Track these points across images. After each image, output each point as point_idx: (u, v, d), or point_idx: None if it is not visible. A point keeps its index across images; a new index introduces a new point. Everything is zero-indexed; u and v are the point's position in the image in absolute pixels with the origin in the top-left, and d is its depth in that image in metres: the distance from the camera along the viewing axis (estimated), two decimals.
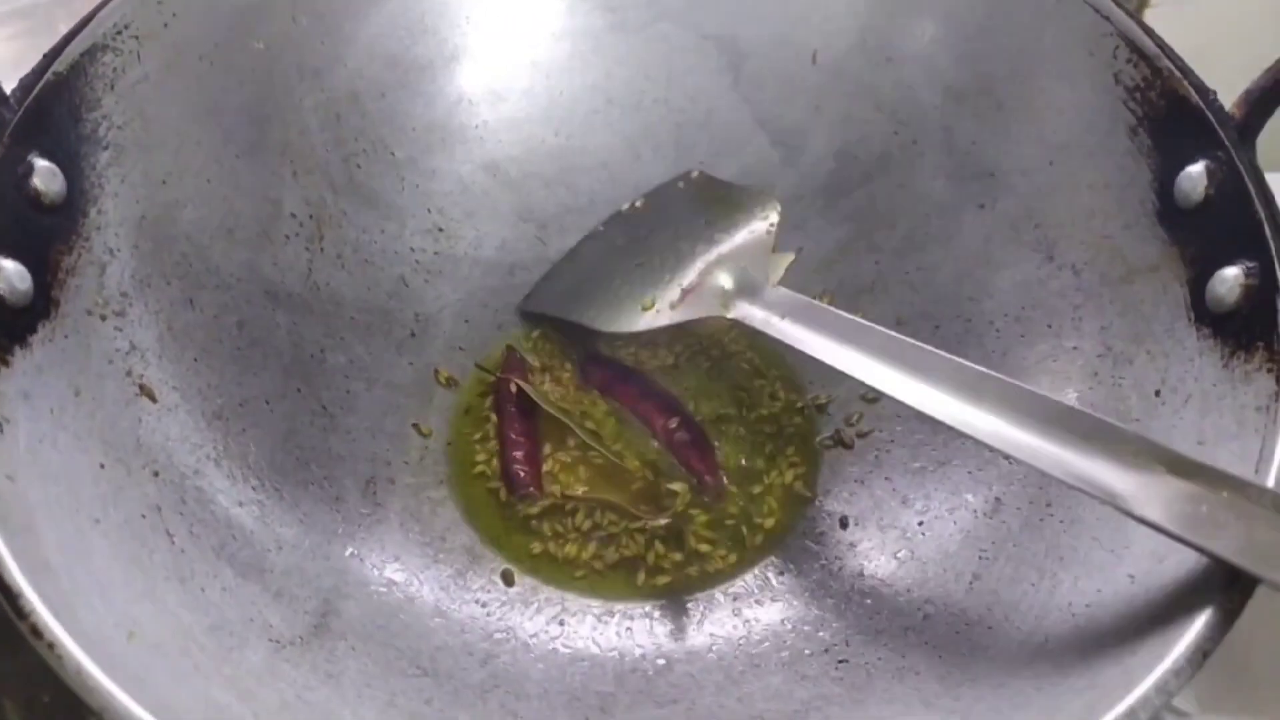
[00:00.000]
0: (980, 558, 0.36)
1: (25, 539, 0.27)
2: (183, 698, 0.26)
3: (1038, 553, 0.34)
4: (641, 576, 0.38)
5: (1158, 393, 0.35)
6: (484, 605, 0.37)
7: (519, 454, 0.41)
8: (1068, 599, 0.32)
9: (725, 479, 0.40)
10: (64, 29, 0.37)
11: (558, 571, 0.39)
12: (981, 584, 0.35)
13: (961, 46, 0.43)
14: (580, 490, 0.40)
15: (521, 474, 0.40)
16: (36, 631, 0.25)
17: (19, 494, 0.28)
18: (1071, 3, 0.39)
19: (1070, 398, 0.38)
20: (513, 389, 0.42)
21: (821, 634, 0.36)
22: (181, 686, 0.27)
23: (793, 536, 0.40)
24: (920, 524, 0.38)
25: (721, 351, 0.45)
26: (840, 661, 0.34)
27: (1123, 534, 0.32)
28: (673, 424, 0.41)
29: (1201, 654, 0.26)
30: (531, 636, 0.37)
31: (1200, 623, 0.26)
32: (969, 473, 0.39)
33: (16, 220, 0.33)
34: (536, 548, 0.39)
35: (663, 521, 0.39)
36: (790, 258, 0.46)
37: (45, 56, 0.35)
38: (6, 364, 0.31)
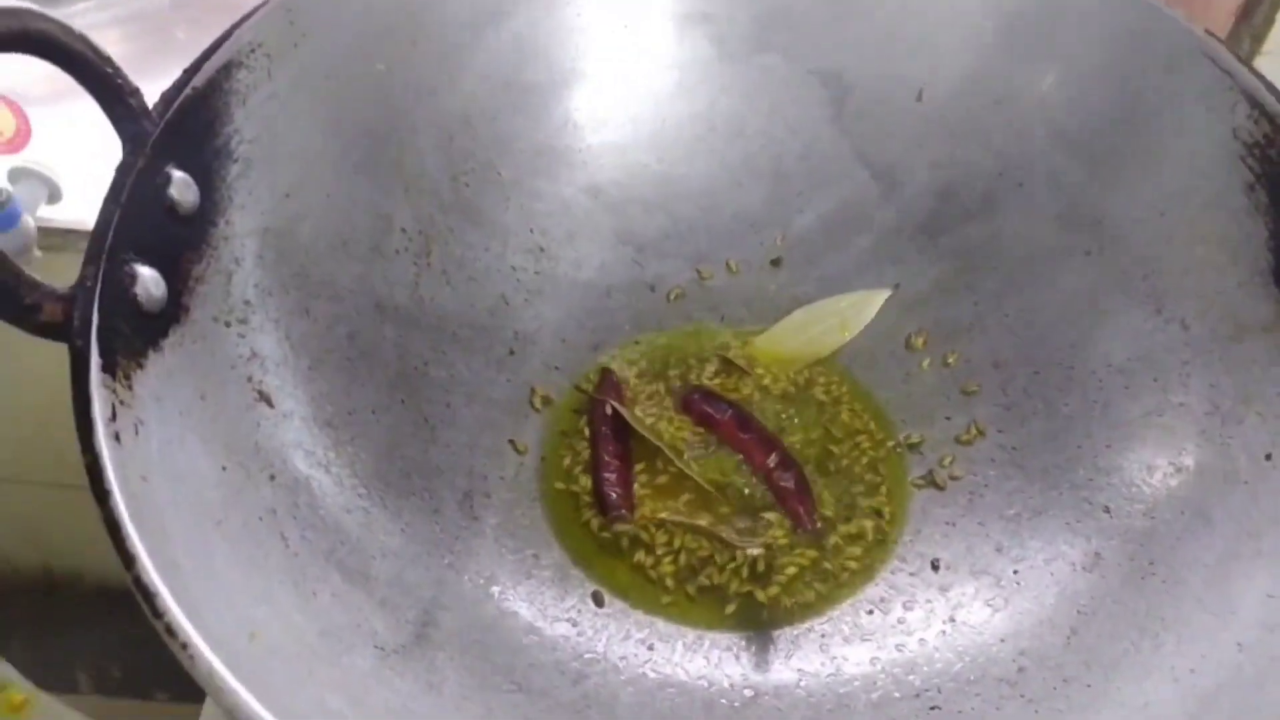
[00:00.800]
0: (1079, 613, 0.36)
1: (158, 540, 0.28)
2: (301, 701, 0.28)
3: (1138, 611, 0.34)
4: (731, 607, 0.39)
5: (1269, 456, 0.34)
6: (575, 625, 0.38)
7: (611, 476, 0.41)
8: (1170, 662, 0.31)
9: (821, 524, 0.41)
10: (181, 35, 0.38)
11: (647, 596, 0.39)
12: (1079, 640, 0.35)
13: (1077, 92, 0.43)
14: (670, 515, 0.41)
15: (614, 496, 0.41)
16: (171, 631, 0.26)
17: (152, 495, 0.30)
18: (1192, 55, 0.39)
19: (1177, 454, 0.37)
20: (607, 410, 0.43)
21: (912, 678, 0.36)
22: (298, 690, 0.28)
23: (883, 575, 0.40)
24: (1015, 572, 0.38)
25: (813, 384, 0.45)
26: (932, 708, 0.34)
27: (1228, 599, 0.31)
28: (772, 462, 0.41)
29: None
30: (621, 659, 0.37)
31: None
32: (1066, 524, 0.39)
33: (154, 229, 0.34)
34: (626, 571, 0.40)
35: (755, 551, 0.39)
36: (885, 294, 0.46)
37: (185, 71, 0.37)
38: (141, 366, 0.32)
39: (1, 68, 0.35)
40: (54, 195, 0.54)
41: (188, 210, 0.35)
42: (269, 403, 0.37)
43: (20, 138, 0.54)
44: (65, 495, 0.68)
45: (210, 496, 0.32)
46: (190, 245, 0.36)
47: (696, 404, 0.44)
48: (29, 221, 0.51)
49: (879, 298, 0.46)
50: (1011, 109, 0.45)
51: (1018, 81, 0.44)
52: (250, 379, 0.37)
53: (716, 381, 0.45)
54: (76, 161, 0.53)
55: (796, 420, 0.44)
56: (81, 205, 0.54)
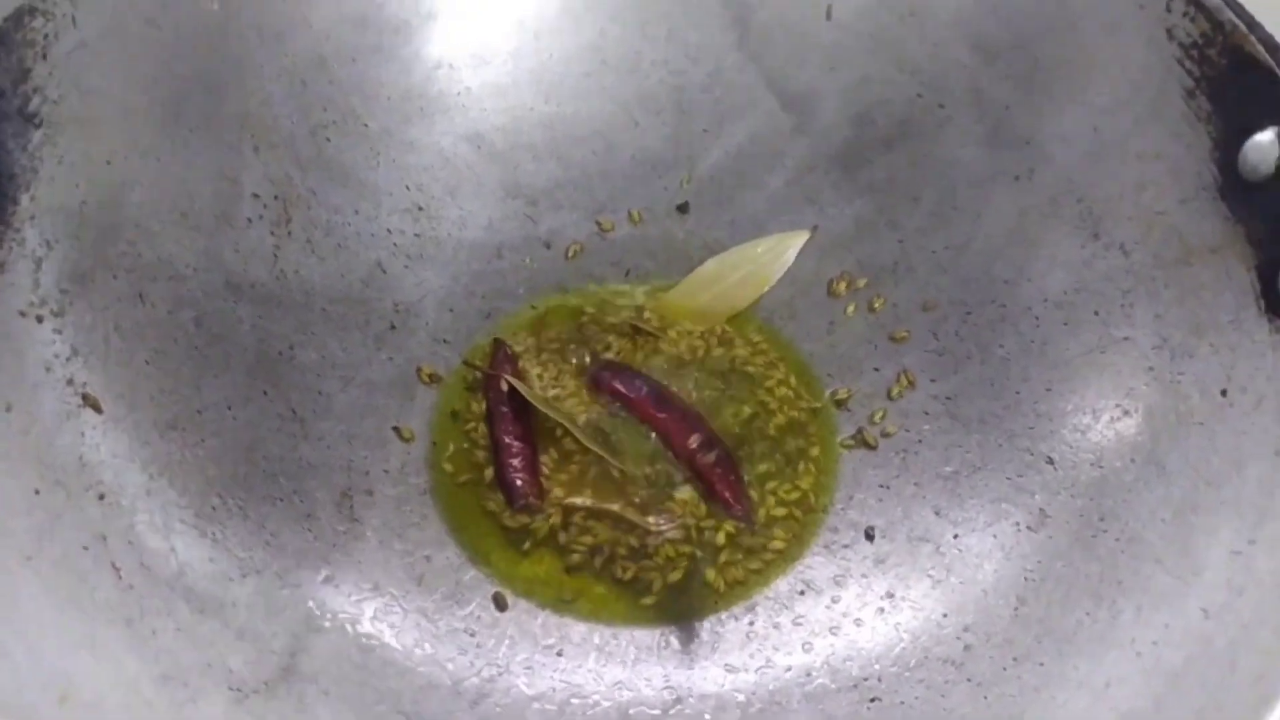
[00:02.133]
0: (1026, 579, 0.33)
1: None
2: None
3: (1091, 575, 0.31)
4: (649, 598, 0.35)
5: (1224, 392, 0.31)
6: (473, 634, 0.34)
7: (516, 461, 0.37)
8: (1130, 633, 0.28)
9: (753, 506, 0.37)
10: None
11: (555, 593, 0.35)
12: (1028, 610, 0.32)
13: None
14: (581, 500, 0.37)
15: (519, 483, 0.37)
16: None
17: None
18: None
19: (1124, 395, 0.34)
20: (503, 387, 0.38)
21: (849, 665, 0.33)
22: None
23: (814, 549, 0.36)
24: (955, 537, 0.35)
25: (731, 342, 0.41)
26: (872, 700, 0.31)
27: (1190, 557, 0.28)
28: (694, 443, 0.37)
29: None
30: (527, 670, 0.33)
31: None
32: (1008, 479, 0.35)
33: None
34: (531, 566, 0.36)
35: (672, 534, 0.35)
36: (804, 236, 0.42)
37: None
38: None
39: None
40: None
41: None
42: (96, 408, 0.32)
43: None
44: None
45: (18, 526, 0.28)
46: None
47: (607, 380, 0.39)
48: None
49: (797, 240, 0.42)
50: (926, 22, 0.41)
51: None
52: (71, 381, 0.32)
53: (625, 348, 0.41)
54: None
55: (721, 387, 0.40)
56: None
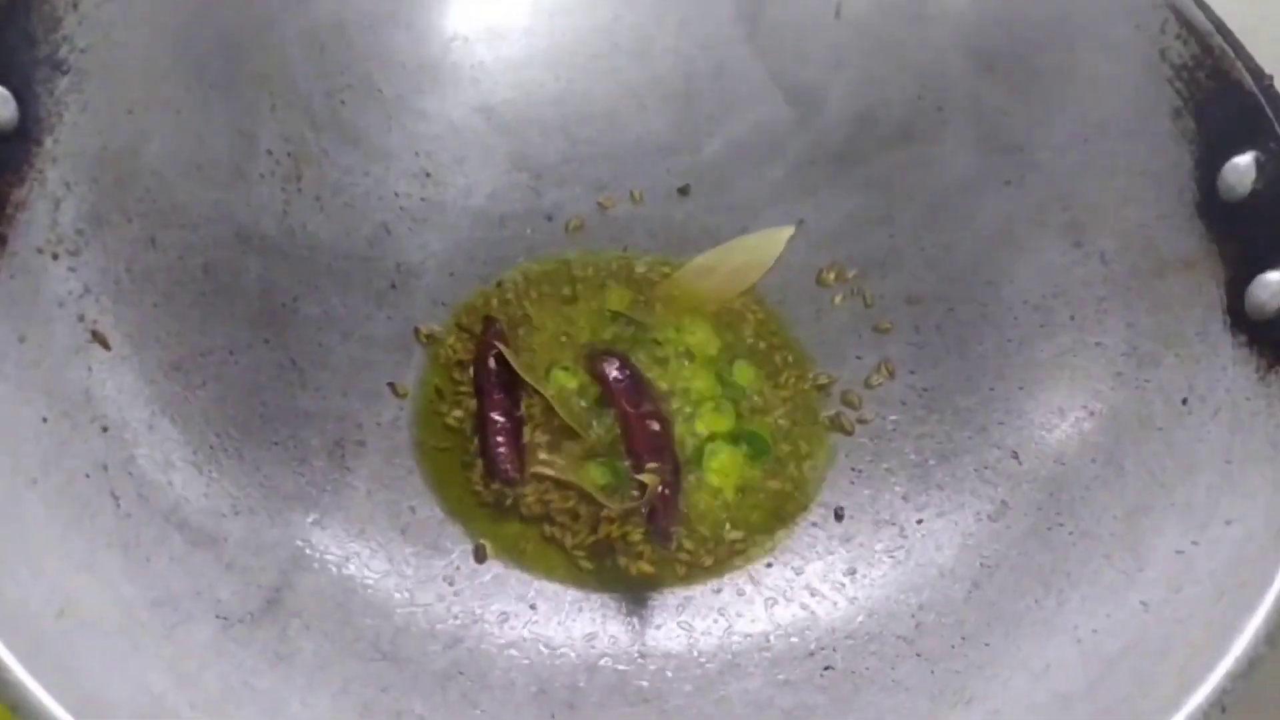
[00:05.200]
0: (981, 565, 0.34)
1: None
2: (113, 687, 0.24)
3: (1044, 565, 0.32)
4: (621, 561, 0.36)
5: (1184, 400, 0.33)
6: (451, 583, 0.35)
7: (501, 439, 0.38)
8: (1073, 621, 0.30)
9: (680, 529, 0.37)
10: None
11: (530, 552, 0.36)
12: (981, 594, 0.33)
13: (996, 7, 0.40)
14: (552, 471, 0.38)
15: (502, 458, 0.38)
16: None
17: None
18: None
19: (1091, 397, 0.35)
20: (492, 364, 0.39)
21: (807, 633, 0.34)
22: (114, 672, 0.25)
23: (781, 524, 0.37)
24: (919, 521, 0.36)
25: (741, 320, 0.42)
26: (826, 668, 0.32)
27: (1137, 555, 0.30)
28: (652, 465, 0.38)
29: (1220, 709, 0.24)
30: (501, 620, 0.34)
31: (1220, 674, 0.24)
32: (975, 470, 0.37)
33: None
34: (509, 525, 0.37)
35: (623, 510, 0.37)
36: (789, 231, 0.43)
37: None
38: None
39: None
40: None
41: (4, 128, 0.32)
42: (104, 344, 0.33)
43: None
44: None
45: (26, 451, 0.29)
46: (9, 167, 0.32)
47: (597, 362, 0.40)
48: None
49: (783, 234, 0.43)
50: (930, 26, 0.41)
51: None
52: (82, 318, 0.33)
53: (624, 333, 0.42)
54: None
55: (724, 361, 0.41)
56: None
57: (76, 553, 0.28)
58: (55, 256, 0.33)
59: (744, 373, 0.41)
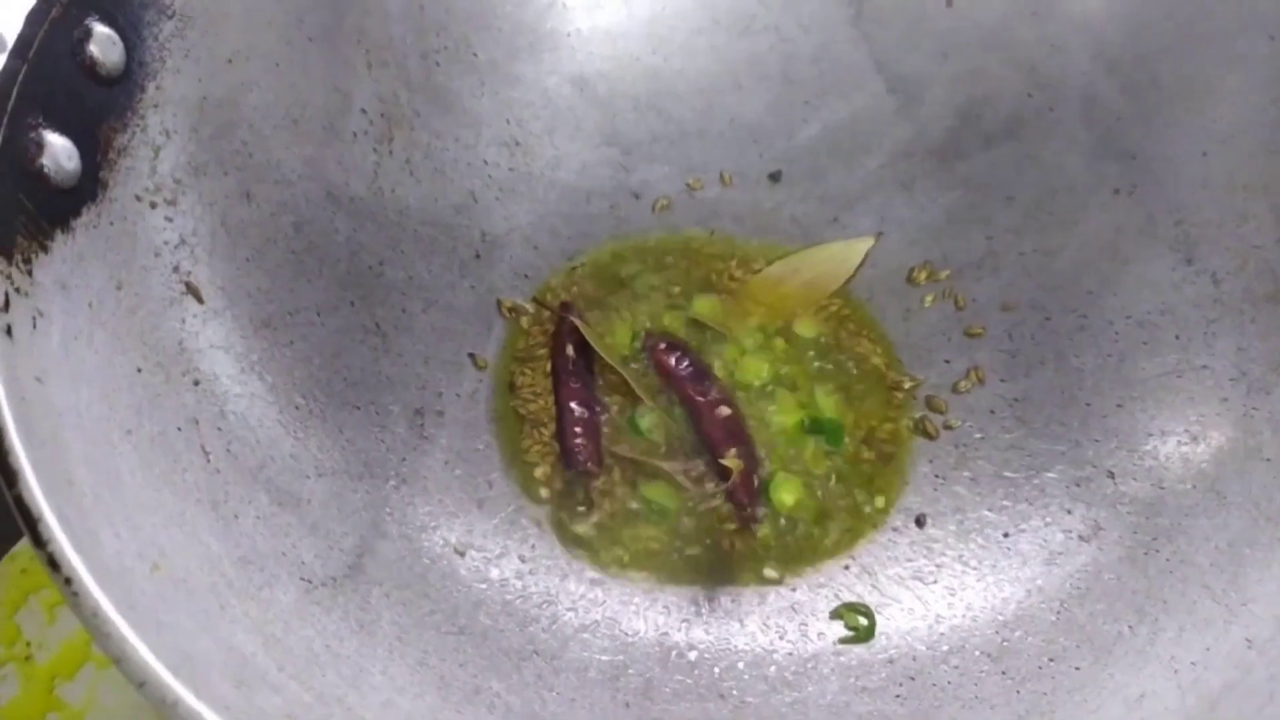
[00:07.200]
0: (1071, 585, 0.33)
1: (50, 451, 0.25)
2: (203, 646, 0.24)
3: (1138, 591, 0.31)
4: (698, 551, 0.36)
5: None
6: (526, 561, 0.35)
7: (578, 429, 0.38)
8: (1170, 651, 0.29)
9: (761, 515, 0.37)
10: None
11: (608, 537, 0.36)
12: (1070, 615, 0.32)
13: (1124, 9, 0.38)
14: (636, 455, 0.37)
15: (580, 452, 0.37)
16: (54, 563, 0.22)
17: (47, 399, 0.26)
18: None
19: (1194, 421, 0.34)
20: (570, 352, 0.39)
21: (885, 642, 0.33)
22: (204, 631, 0.25)
23: (861, 526, 0.37)
24: (1006, 536, 0.35)
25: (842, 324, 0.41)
26: (908, 678, 0.32)
27: (1239, 587, 0.29)
28: (732, 449, 0.37)
29: None
30: (577, 601, 0.34)
31: None
32: (1066, 488, 0.36)
33: (68, 91, 0.30)
34: (586, 508, 0.37)
35: (712, 497, 0.36)
36: (869, 243, 0.42)
37: None
38: (45, 249, 0.28)
39: None
40: None
41: (110, 71, 0.31)
42: (198, 297, 0.33)
43: None
44: None
45: (121, 402, 0.29)
46: (112, 112, 0.32)
47: (656, 350, 0.40)
48: None
49: (862, 246, 0.42)
50: (1051, 22, 0.40)
51: None
52: (177, 269, 0.33)
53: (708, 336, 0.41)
54: None
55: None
56: None
57: (167, 507, 0.28)
58: (154, 205, 0.33)
59: (827, 402, 0.40)
